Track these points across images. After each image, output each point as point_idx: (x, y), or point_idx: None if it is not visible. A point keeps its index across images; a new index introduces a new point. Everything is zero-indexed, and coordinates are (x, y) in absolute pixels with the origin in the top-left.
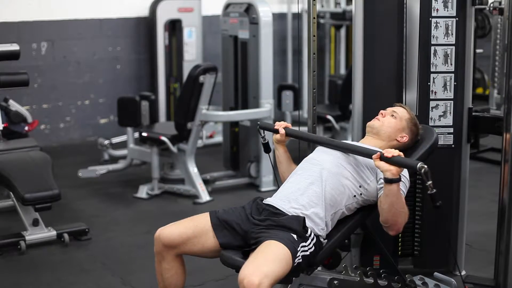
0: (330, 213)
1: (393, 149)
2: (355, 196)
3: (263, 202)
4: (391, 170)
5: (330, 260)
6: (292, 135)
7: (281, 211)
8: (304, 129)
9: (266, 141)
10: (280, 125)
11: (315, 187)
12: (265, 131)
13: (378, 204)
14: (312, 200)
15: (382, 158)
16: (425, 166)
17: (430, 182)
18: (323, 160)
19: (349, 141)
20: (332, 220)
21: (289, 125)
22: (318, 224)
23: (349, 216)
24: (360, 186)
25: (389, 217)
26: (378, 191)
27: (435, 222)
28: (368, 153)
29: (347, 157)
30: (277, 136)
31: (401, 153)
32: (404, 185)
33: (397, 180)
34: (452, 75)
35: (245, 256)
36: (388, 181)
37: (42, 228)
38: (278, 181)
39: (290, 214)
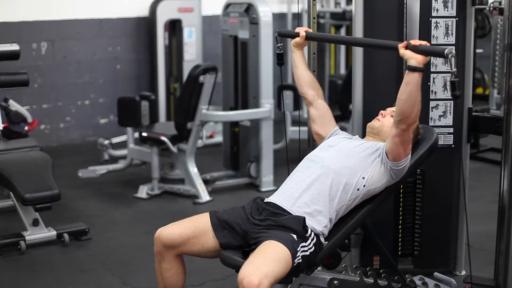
0: (333, 209)
1: (418, 40)
2: (358, 189)
3: (264, 201)
4: (416, 58)
5: (330, 260)
6: (312, 38)
7: (283, 209)
8: (304, 129)
9: (282, 51)
10: (301, 29)
11: (317, 184)
12: (281, 40)
13: (397, 98)
14: (314, 197)
15: (408, 47)
16: (453, 51)
17: (455, 69)
18: (324, 157)
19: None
20: (336, 216)
21: (310, 29)
22: (321, 221)
23: (349, 215)
24: (363, 178)
25: (405, 108)
26: (382, 155)
27: (435, 222)
28: (391, 45)
29: (347, 152)
30: (297, 39)
31: (427, 43)
32: (403, 169)
33: (421, 69)
34: None
35: (245, 256)
36: (412, 68)
37: (42, 228)
38: (296, 85)
39: (292, 213)
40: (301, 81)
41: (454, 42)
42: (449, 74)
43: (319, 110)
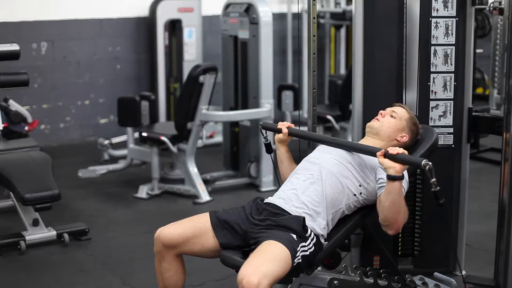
0: (331, 211)
1: (397, 147)
2: (355, 195)
3: (264, 202)
4: (395, 167)
5: (330, 260)
6: (295, 135)
7: (283, 209)
8: (304, 129)
9: (268, 141)
10: (283, 125)
11: (316, 186)
12: (267, 132)
13: (378, 203)
14: (313, 199)
15: (386, 155)
16: (430, 163)
17: (434, 179)
18: (323, 159)
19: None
20: (333, 219)
21: (292, 125)
22: (320, 223)
23: (349, 216)
24: (360, 185)
25: (390, 215)
26: (377, 190)
27: (435, 222)
28: (371, 151)
29: (347, 156)
30: (280, 135)
31: (405, 151)
32: (404, 185)
33: (400, 177)
34: (452, 75)
35: (245, 256)
36: (391, 178)
37: (42, 228)
38: (278, 181)
39: (292, 214)
40: (286, 175)
41: (454, 42)
42: (434, 180)
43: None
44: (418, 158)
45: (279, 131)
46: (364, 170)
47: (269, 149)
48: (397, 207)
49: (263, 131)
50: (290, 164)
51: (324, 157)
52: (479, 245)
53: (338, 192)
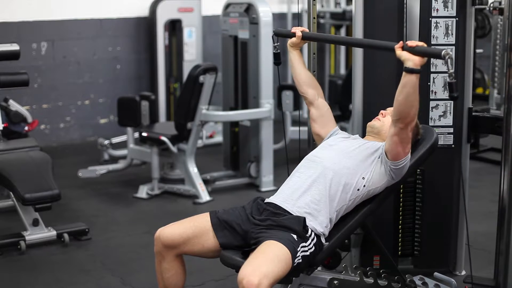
0: (334, 209)
1: (415, 40)
2: (358, 189)
3: (264, 201)
4: (413, 59)
5: (330, 260)
6: (309, 38)
7: (284, 209)
8: (304, 129)
9: (278, 51)
10: (297, 29)
11: (317, 184)
12: (278, 40)
13: (395, 98)
14: (315, 198)
15: (405, 48)
16: (450, 53)
17: (452, 70)
18: (324, 157)
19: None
20: (337, 216)
21: (306, 29)
22: (322, 222)
23: (349, 215)
24: (363, 178)
25: (403, 108)
26: (382, 154)
27: (435, 222)
28: (387, 46)
29: (348, 152)
30: (293, 39)
31: (424, 44)
32: (404, 169)
33: (418, 70)
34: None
35: (245, 256)
36: (409, 70)
37: (42, 228)
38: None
39: (293, 213)
40: (299, 80)
41: (454, 42)
42: (452, 71)
43: (319, 110)
44: (437, 49)
45: (293, 35)
46: (367, 159)
47: (278, 59)
48: (411, 100)
49: (275, 38)
50: (303, 68)
51: (325, 154)
52: (479, 245)
53: (341, 189)
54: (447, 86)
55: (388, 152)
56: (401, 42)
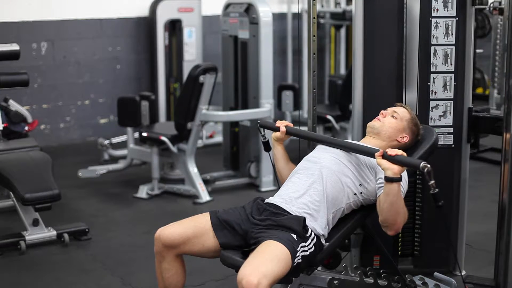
0: (331, 211)
1: (395, 149)
2: (355, 194)
3: (264, 202)
4: (393, 168)
5: (330, 260)
6: (292, 134)
7: (284, 209)
8: (304, 129)
9: (266, 139)
10: (281, 124)
11: (316, 185)
12: (266, 130)
13: (377, 204)
14: (314, 198)
15: (385, 156)
16: (428, 166)
17: (432, 181)
18: (323, 158)
19: (350, 140)
20: (333, 218)
21: (290, 124)
22: (322, 222)
23: (349, 216)
24: (360, 185)
25: (389, 216)
26: (377, 190)
27: (435, 222)
28: (370, 152)
29: (347, 155)
30: (277, 134)
31: (404, 153)
32: (403, 186)
33: (399, 179)
34: (452, 75)
35: (245, 256)
36: (389, 179)
37: (42, 228)
38: (277, 180)
39: (293, 213)
40: (282, 173)
41: (454, 42)
42: (433, 182)
43: None
44: (416, 161)
45: (277, 129)
46: (364, 170)
47: (267, 147)
48: (396, 208)
49: (261, 129)
50: (286, 163)
51: (325, 156)
52: (479, 245)
53: (339, 191)
54: (431, 197)
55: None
56: (381, 150)
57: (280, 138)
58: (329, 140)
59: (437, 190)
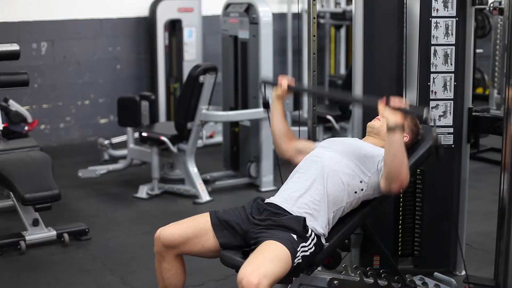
0: (332, 210)
1: (398, 98)
2: (356, 192)
3: (265, 202)
4: (395, 117)
5: (330, 260)
6: (294, 90)
7: (284, 209)
8: (304, 129)
9: (267, 98)
10: (283, 80)
11: (317, 184)
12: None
13: (384, 158)
14: (315, 198)
15: (388, 105)
16: (431, 113)
17: (436, 134)
18: (323, 157)
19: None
20: (334, 217)
21: (292, 81)
22: (322, 222)
23: (349, 216)
24: (361, 182)
25: (393, 167)
26: (379, 165)
27: (435, 222)
28: (372, 103)
29: (347, 153)
30: (279, 91)
31: (407, 102)
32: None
33: (401, 128)
34: (452, 75)
35: (245, 256)
36: (392, 128)
37: (42, 228)
38: (275, 140)
39: (293, 213)
40: (275, 130)
41: (454, 42)
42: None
43: (300, 153)
44: (418, 108)
45: (279, 86)
46: (366, 163)
47: (267, 105)
48: (399, 159)
49: (263, 86)
50: (281, 120)
51: (325, 155)
52: (479, 245)
53: (339, 190)
54: (433, 149)
55: (382, 187)
56: (384, 98)
57: (281, 95)
58: (331, 94)
59: (440, 143)
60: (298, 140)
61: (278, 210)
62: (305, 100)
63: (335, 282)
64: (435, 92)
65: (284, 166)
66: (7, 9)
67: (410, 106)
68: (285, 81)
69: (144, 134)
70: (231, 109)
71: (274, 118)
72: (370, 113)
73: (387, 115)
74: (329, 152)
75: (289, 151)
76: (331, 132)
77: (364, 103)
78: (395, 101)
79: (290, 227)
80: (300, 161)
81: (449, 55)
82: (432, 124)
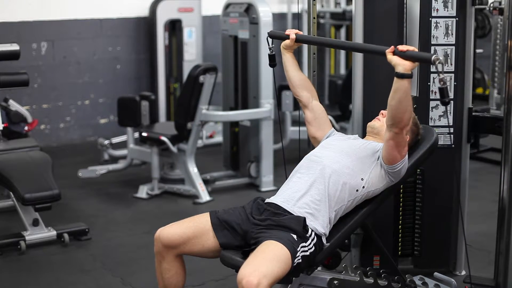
0: (333, 209)
1: (406, 45)
2: (357, 190)
3: (265, 202)
4: (404, 64)
5: (330, 260)
6: (302, 41)
7: (284, 209)
8: (304, 129)
9: (273, 52)
10: (291, 32)
11: (318, 184)
12: (273, 42)
13: (388, 102)
14: (315, 198)
15: (396, 52)
16: (440, 58)
17: (443, 76)
18: (324, 156)
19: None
20: (335, 216)
21: (300, 32)
22: (323, 222)
23: (349, 216)
24: (362, 179)
25: (396, 113)
26: (379, 159)
27: (435, 222)
28: (379, 50)
29: (347, 151)
30: (287, 42)
31: (415, 48)
32: (402, 170)
33: (409, 75)
34: (452, 75)
35: (245, 256)
36: (400, 75)
37: (42, 228)
38: (289, 84)
39: (293, 213)
40: (293, 83)
41: (454, 42)
42: (443, 76)
43: (314, 112)
44: (427, 54)
45: (287, 37)
46: (366, 160)
47: (273, 60)
48: (404, 106)
49: (269, 40)
50: (297, 70)
51: (325, 154)
52: (479, 245)
53: (340, 189)
54: (438, 92)
55: (385, 157)
56: (392, 46)
57: (290, 46)
58: (339, 43)
59: (446, 85)
60: (315, 99)
61: (278, 210)
62: None
63: (335, 282)
64: (435, 92)
65: (289, 163)
66: (7, 9)
67: (418, 52)
68: (292, 33)
69: (144, 134)
70: (231, 109)
71: (288, 69)
72: (370, 113)
73: (396, 62)
74: (329, 152)
75: (303, 99)
76: None
77: (372, 51)
78: (403, 47)
79: (290, 227)
80: (308, 114)
81: (449, 55)
82: (440, 69)
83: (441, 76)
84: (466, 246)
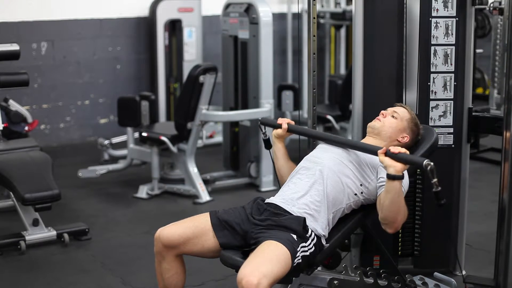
0: (331, 211)
1: (398, 147)
2: (356, 194)
3: (265, 202)
4: (395, 166)
5: (330, 260)
6: (294, 131)
7: (284, 209)
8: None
9: (267, 137)
10: (283, 121)
11: (317, 185)
12: (266, 127)
13: (378, 202)
14: (315, 199)
15: (388, 154)
16: (431, 164)
17: (435, 180)
18: (324, 158)
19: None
20: (333, 218)
21: (292, 122)
22: (323, 223)
23: (349, 216)
24: (361, 185)
25: (389, 214)
26: (378, 189)
27: (435, 222)
28: (372, 150)
29: (348, 155)
30: (279, 131)
31: (407, 151)
32: (404, 185)
33: (400, 177)
34: (452, 75)
35: (245, 256)
36: (392, 177)
37: (42, 228)
38: (277, 180)
39: (293, 213)
40: (281, 173)
41: (454, 42)
42: (435, 180)
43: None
44: (419, 158)
45: (279, 126)
46: (365, 169)
47: (268, 145)
48: (397, 206)
49: (262, 126)
50: (286, 161)
51: (325, 156)
52: (479, 245)
53: (339, 191)
54: (433, 195)
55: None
56: (384, 148)
57: (281, 136)
58: (331, 138)
59: (439, 188)
60: None
61: (278, 210)
62: (305, 100)
63: (335, 282)
64: (435, 92)
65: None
66: (7, 9)
67: (410, 155)
68: (284, 123)
69: (144, 134)
70: (231, 109)
71: (277, 160)
72: (370, 113)
73: (387, 163)
74: (328, 154)
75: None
76: (331, 132)
77: (364, 149)
78: (395, 149)
79: (290, 227)
80: None
81: (449, 55)
82: (431, 175)
83: (434, 180)
84: (450, 240)
